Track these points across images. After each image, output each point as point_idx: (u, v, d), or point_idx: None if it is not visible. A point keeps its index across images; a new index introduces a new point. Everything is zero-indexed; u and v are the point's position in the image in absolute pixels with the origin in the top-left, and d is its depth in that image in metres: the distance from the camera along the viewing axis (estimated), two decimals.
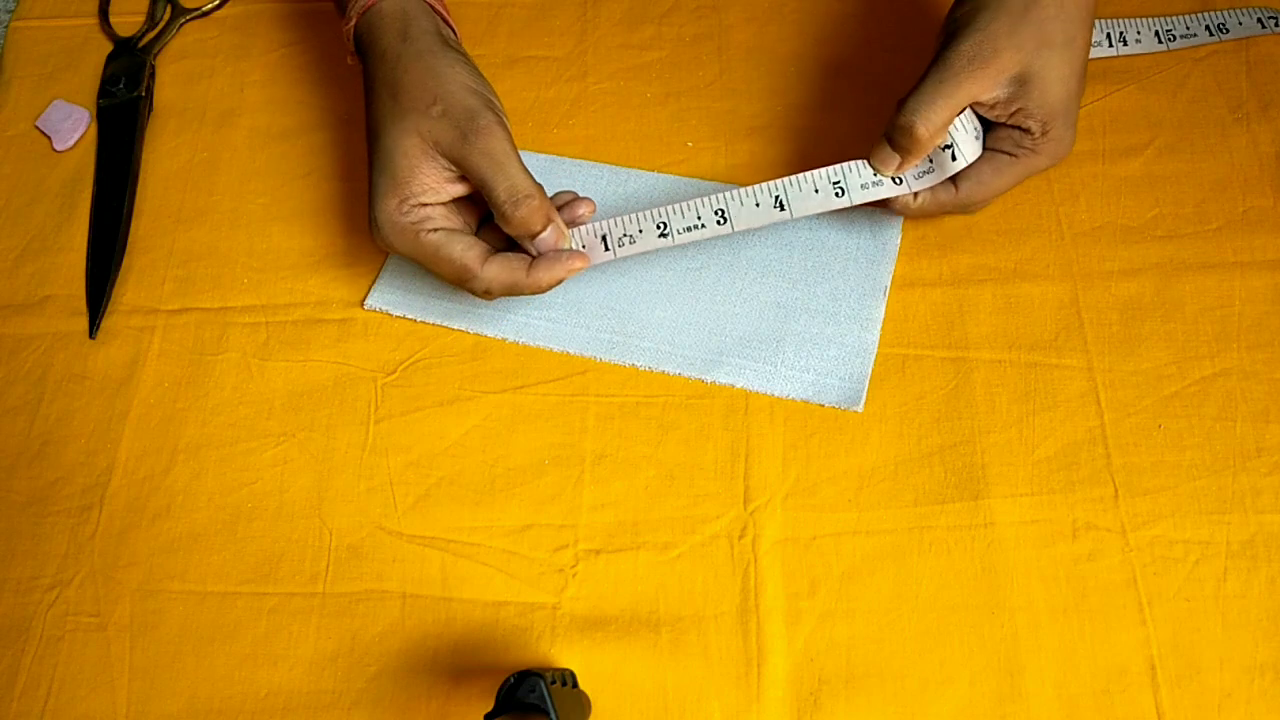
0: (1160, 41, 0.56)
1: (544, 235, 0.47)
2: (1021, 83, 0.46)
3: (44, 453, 0.51)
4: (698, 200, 0.48)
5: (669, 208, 0.48)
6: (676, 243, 0.48)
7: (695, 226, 0.48)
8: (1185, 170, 0.54)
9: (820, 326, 0.51)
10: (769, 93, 0.58)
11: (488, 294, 0.48)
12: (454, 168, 0.47)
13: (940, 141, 0.47)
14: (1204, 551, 0.45)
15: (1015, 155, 0.47)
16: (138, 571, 0.48)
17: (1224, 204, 0.53)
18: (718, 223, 0.48)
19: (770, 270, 0.53)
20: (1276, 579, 0.44)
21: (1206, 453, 0.47)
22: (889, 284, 0.52)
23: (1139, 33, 0.56)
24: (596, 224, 0.49)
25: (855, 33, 0.60)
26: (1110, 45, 0.55)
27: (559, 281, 0.48)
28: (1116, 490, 0.46)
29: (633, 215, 0.49)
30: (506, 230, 0.47)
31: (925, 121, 0.46)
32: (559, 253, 0.48)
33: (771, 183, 0.48)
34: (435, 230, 0.47)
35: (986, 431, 0.48)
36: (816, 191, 0.48)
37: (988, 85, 0.46)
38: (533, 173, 0.56)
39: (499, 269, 0.47)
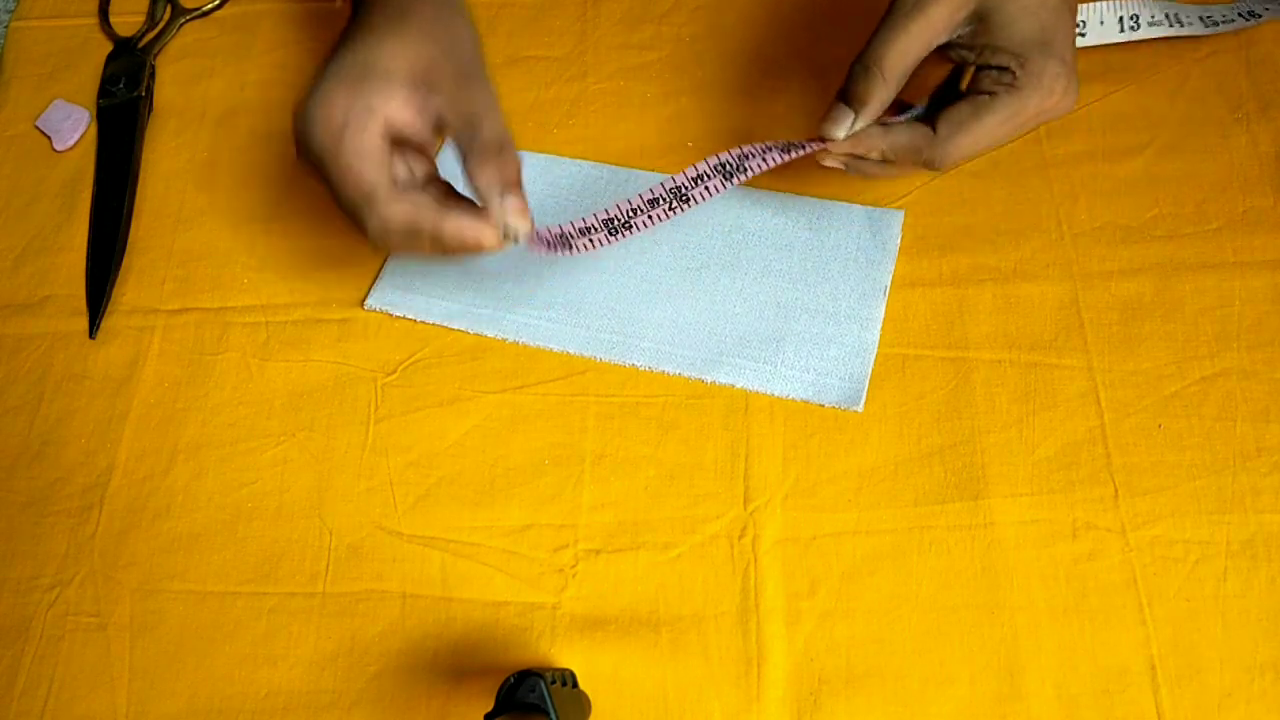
0: (1205, 26, 0.55)
1: (515, 196, 0.44)
2: (980, 18, 0.44)
3: (44, 453, 0.51)
4: (647, 189, 0.47)
5: (618, 204, 0.47)
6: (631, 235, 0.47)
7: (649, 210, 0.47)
8: (1185, 170, 0.54)
9: (820, 326, 0.51)
10: (769, 93, 0.58)
11: (382, 235, 0.44)
12: (432, 100, 0.44)
13: (896, 91, 0.45)
14: (1204, 551, 0.45)
15: (994, 93, 0.45)
16: (138, 571, 0.48)
17: (1224, 204, 0.53)
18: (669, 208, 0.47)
19: (770, 270, 0.53)
20: (1276, 579, 0.44)
21: (1206, 453, 0.47)
22: (889, 284, 0.52)
23: (1188, 17, 0.55)
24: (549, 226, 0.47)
25: (855, 33, 0.60)
26: (1170, 25, 0.55)
27: (466, 246, 0.44)
28: (1116, 490, 0.46)
29: (586, 216, 0.47)
30: (478, 178, 0.44)
31: (882, 66, 0.44)
32: (482, 213, 0.44)
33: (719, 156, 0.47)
34: (362, 137, 0.43)
35: (986, 431, 0.48)
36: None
37: (941, 24, 0.44)
38: (532, 173, 0.57)
39: (405, 206, 0.43)
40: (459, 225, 0.43)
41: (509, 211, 0.44)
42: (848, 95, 0.46)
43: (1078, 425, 0.48)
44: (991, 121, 0.45)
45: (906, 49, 0.45)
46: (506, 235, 0.44)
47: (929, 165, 0.47)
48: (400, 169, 0.45)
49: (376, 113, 0.43)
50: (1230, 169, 0.53)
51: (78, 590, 0.48)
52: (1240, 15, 0.56)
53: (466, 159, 0.44)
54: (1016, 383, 0.49)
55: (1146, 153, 0.54)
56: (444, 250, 0.44)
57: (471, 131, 0.44)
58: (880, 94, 0.45)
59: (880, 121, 0.47)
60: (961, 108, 0.45)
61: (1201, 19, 0.56)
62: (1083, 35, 0.55)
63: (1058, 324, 0.50)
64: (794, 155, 0.48)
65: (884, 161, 0.47)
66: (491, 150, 0.43)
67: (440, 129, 0.45)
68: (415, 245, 0.44)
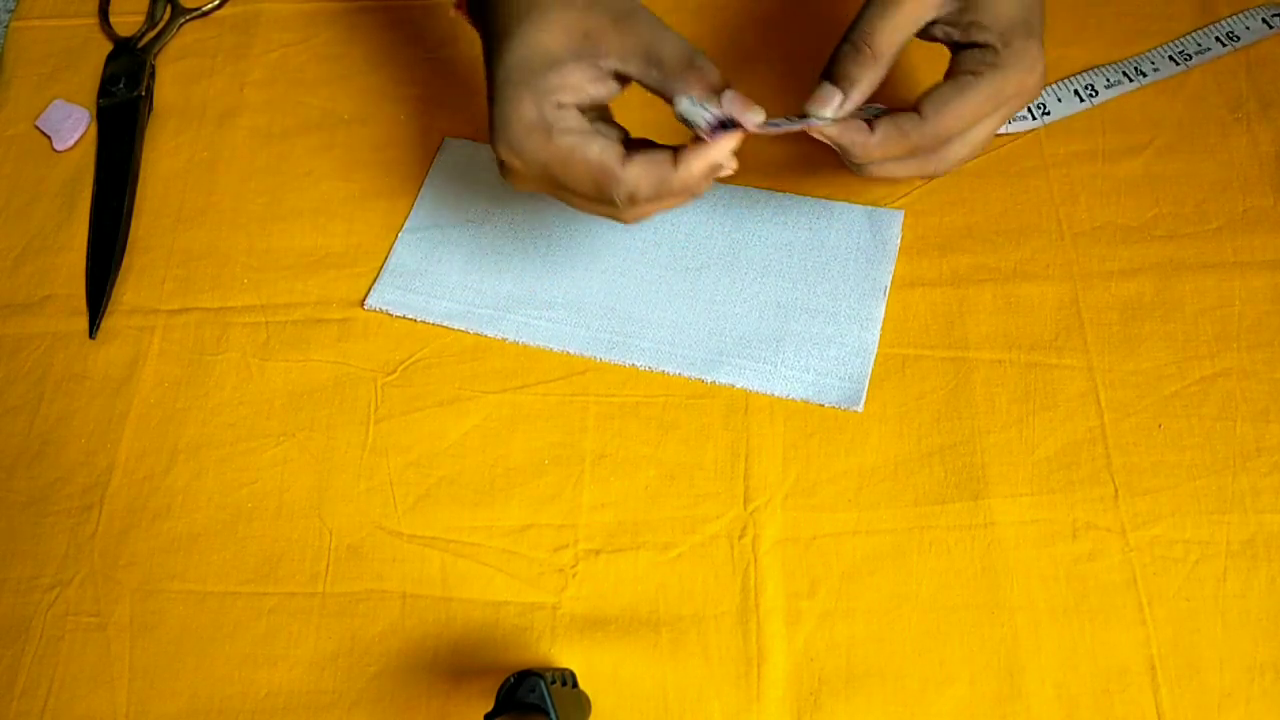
0: (1177, 64, 0.56)
1: (730, 91, 0.42)
2: None
3: (44, 453, 0.51)
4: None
5: None
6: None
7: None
8: (1185, 170, 0.54)
9: (820, 326, 0.51)
10: (769, 93, 0.58)
11: (632, 202, 0.42)
12: (603, 59, 0.42)
13: (886, 70, 0.44)
14: (1204, 551, 0.45)
15: (978, 73, 0.44)
16: (138, 571, 0.48)
17: (1224, 204, 0.53)
18: None
19: (770, 270, 0.53)
20: (1276, 579, 0.44)
21: (1206, 453, 0.47)
22: (889, 284, 0.52)
23: (1154, 63, 0.56)
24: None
25: None
26: (1131, 80, 0.56)
27: (713, 171, 0.43)
28: (1116, 490, 0.46)
29: None
30: (681, 102, 0.42)
31: (872, 43, 0.43)
32: (705, 144, 0.42)
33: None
34: (570, 131, 0.42)
35: (986, 431, 0.48)
36: None
37: (928, 2, 0.43)
38: None
39: (642, 167, 0.42)
40: (699, 158, 0.42)
41: (733, 107, 0.42)
42: (834, 74, 0.44)
43: (1078, 425, 0.48)
44: (975, 99, 0.44)
45: (898, 26, 0.44)
46: (744, 130, 0.42)
47: (917, 151, 0.45)
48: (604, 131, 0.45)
49: (565, 100, 0.43)
50: (1230, 169, 0.53)
51: (78, 590, 0.48)
52: (1218, 40, 0.57)
53: (665, 93, 0.42)
54: (1016, 383, 0.49)
55: (1146, 153, 0.54)
56: (696, 192, 0.43)
57: (652, 67, 0.42)
58: (870, 73, 0.44)
59: (858, 115, 0.45)
60: (944, 89, 0.45)
61: (1172, 58, 0.56)
62: (1047, 114, 0.55)
63: (1058, 324, 0.50)
64: (783, 129, 0.45)
65: (871, 159, 0.46)
66: (679, 68, 0.42)
67: (623, 79, 0.43)
68: (666, 199, 0.43)
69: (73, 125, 0.61)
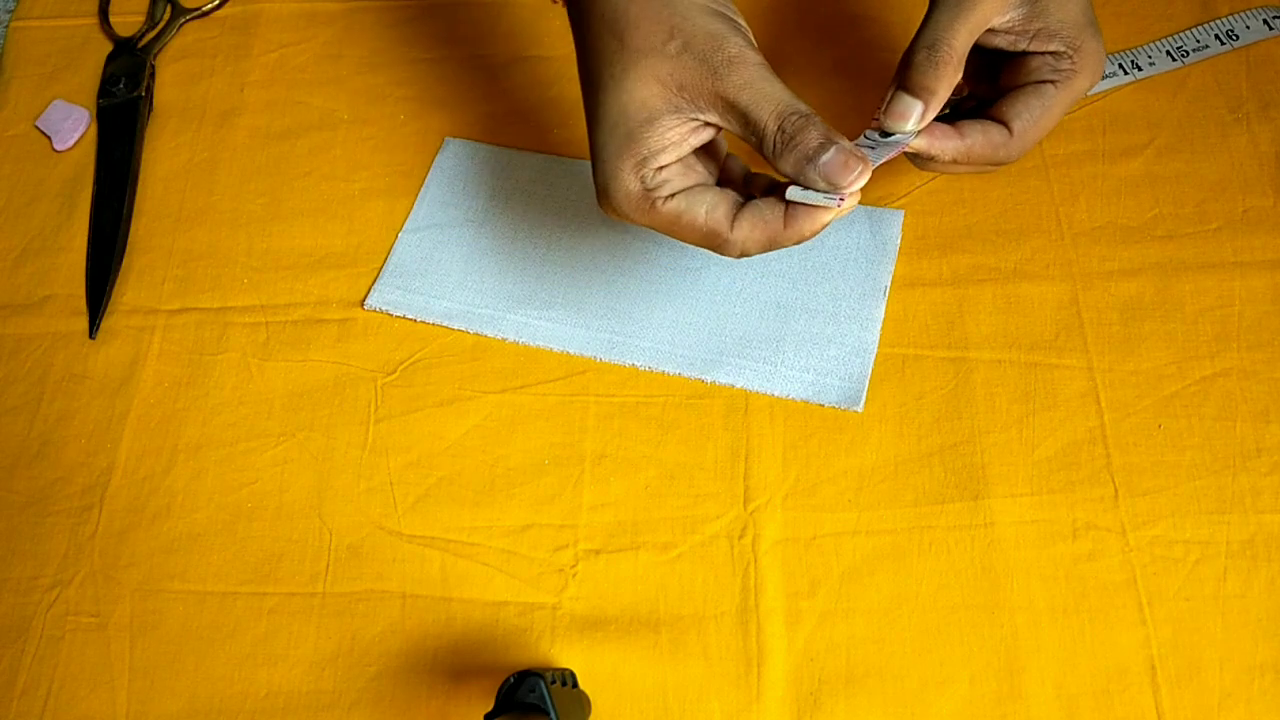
0: (1174, 60, 0.56)
1: (827, 157, 0.39)
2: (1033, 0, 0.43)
3: (44, 453, 0.51)
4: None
5: None
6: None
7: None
8: (1185, 170, 0.54)
9: (820, 326, 0.51)
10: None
11: (744, 255, 0.42)
12: (701, 113, 0.41)
13: (960, 75, 0.43)
14: (1204, 551, 0.45)
15: (1056, 81, 0.44)
16: (138, 571, 0.48)
17: (1224, 204, 0.53)
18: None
19: (770, 270, 0.53)
20: (1276, 579, 0.44)
21: (1206, 453, 0.47)
22: (889, 284, 0.52)
23: (1151, 57, 0.56)
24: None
25: (855, 33, 0.60)
26: (1126, 74, 0.56)
27: (824, 226, 0.41)
28: (1116, 490, 0.46)
29: None
30: (781, 167, 0.40)
31: (949, 49, 0.42)
32: (817, 209, 0.41)
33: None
34: (674, 195, 0.41)
35: (986, 431, 0.48)
36: None
37: (998, 5, 0.43)
38: (532, 173, 0.57)
39: (751, 226, 0.41)
40: (810, 221, 0.41)
41: (832, 176, 0.40)
42: (911, 84, 0.43)
43: (1078, 425, 0.48)
44: (1058, 110, 0.45)
45: (973, 29, 0.43)
46: (845, 195, 0.40)
47: (1002, 163, 0.46)
48: (711, 168, 0.44)
49: (667, 160, 0.41)
50: (1230, 169, 0.54)
51: (78, 590, 0.48)
52: (1216, 38, 0.57)
53: (761, 153, 0.41)
54: (1016, 383, 0.49)
55: (1146, 153, 0.54)
56: (806, 240, 0.42)
57: (746, 127, 0.40)
58: (948, 79, 0.43)
59: (940, 118, 0.44)
60: (1029, 102, 0.44)
61: (1169, 53, 0.56)
62: None
63: (1058, 324, 0.50)
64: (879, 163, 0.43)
65: (953, 161, 0.45)
66: (772, 136, 0.40)
67: (720, 127, 0.42)
68: (776, 248, 0.42)
69: (73, 125, 0.61)
